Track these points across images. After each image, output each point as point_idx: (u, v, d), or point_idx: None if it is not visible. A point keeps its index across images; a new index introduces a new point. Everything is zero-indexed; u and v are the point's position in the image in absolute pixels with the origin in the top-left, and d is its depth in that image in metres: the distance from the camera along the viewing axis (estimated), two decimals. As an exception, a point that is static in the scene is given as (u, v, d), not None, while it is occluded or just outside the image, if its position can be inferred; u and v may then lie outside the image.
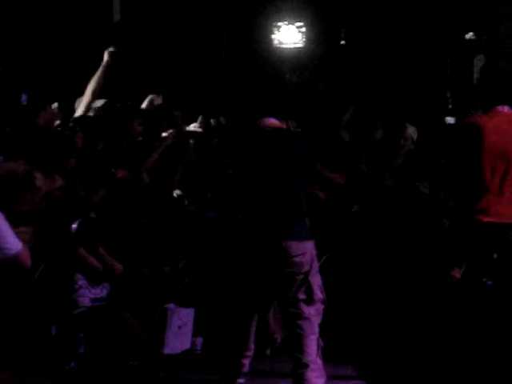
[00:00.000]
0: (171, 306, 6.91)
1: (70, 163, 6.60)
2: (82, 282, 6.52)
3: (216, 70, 13.62)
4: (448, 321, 5.81)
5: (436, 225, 7.35)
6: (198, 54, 13.37)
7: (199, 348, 6.91)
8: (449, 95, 13.46)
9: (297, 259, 5.15)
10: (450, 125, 9.41)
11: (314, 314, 5.23)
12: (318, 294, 5.24)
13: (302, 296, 5.19)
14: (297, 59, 14.17)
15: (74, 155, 6.65)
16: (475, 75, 12.38)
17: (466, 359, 5.51)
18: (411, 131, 7.89)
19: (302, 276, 5.17)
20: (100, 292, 6.63)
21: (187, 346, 6.87)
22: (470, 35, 12.80)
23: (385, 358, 6.24)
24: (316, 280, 5.23)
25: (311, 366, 5.12)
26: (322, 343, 5.29)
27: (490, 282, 5.61)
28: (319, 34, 14.11)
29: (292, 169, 5.16)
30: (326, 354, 5.44)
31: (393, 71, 13.26)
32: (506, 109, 5.72)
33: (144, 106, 7.97)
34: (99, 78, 7.33)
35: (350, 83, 12.90)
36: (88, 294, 6.54)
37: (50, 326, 6.18)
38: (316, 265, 5.25)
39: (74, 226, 6.37)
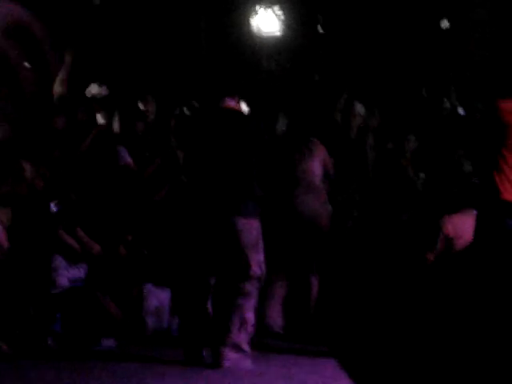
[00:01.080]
0: (148, 286, 6.85)
1: (54, 153, 6.59)
2: (60, 262, 6.45)
3: (194, 53, 13.49)
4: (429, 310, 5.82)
5: (404, 213, 7.35)
6: (175, 38, 13.24)
7: (175, 328, 6.85)
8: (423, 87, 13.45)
9: (241, 234, 5.22)
10: (461, 116, 9.32)
11: (248, 289, 5.30)
12: (256, 271, 5.29)
13: (239, 270, 5.27)
14: (275, 45, 14.05)
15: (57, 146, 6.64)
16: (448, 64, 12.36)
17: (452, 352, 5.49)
18: (358, 108, 8.30)
19: (241, 251, 5.23)
20: (78, 272, 6.56)
21: (164, 325, 6.82)
22: (444, 23, 12.74)
23: (368, 351, 6.21)
24: (255, 257, 5.27)
25: (231, 341, 5.25)
26: (252, 321, 5.33)
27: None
28: (297, 21, 13.99)
29: (241, 149, 5.28)
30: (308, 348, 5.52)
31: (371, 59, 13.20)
32: None
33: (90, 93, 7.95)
34: (61, 80, 7.27)
35: (338, 71, 12.84)
36: (66, 275, 6.48)
37: (29, 306, 6.11)
38: (260, 242, 5.31)
39: (53, 207, 6.29)
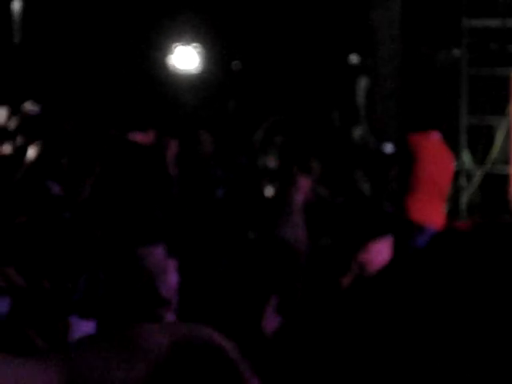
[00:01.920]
0: (73, 318, 6.70)
1: None
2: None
3: (114, 87, 13.42)
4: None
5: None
6: (93, 73, 13.15)
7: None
8: (335, 115, 13.62)
9: (144, 262, 5.23)
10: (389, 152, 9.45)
11: (160, 314, 5.26)
12: (164, 296, 5.30)
13: (148, 297, 5.27)
14: (193, 80, 14.07)
15: None
16: (358, 97, 12.54)
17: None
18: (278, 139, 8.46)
19: (148, 278, 5.26)
20: (1, 306, 6.37)
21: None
22: (353, 58, 12.96)
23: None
24: (163, 282, 5.30)
25: None
26: None
27: None
28: (215, 55, 14.05)
29: (137, 181, 5.31)
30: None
31: (282, 93, 13.31)
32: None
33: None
34: None
35: (254, 103, 12.91)
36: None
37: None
38: (167, 267, 5.32)
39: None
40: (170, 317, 5.38)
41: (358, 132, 10.48)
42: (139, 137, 5.50)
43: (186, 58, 13.82)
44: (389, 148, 8.03)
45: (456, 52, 9.85)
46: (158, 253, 5.30)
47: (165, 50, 13.86)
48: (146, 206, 5.38)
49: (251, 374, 0.85)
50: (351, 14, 12.76)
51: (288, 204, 7.19)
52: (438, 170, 6.17)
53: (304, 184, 7.13)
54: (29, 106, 7.77)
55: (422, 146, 6.10)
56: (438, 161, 6.18)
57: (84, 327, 6.68)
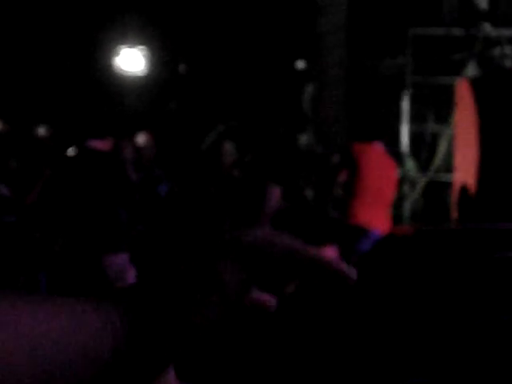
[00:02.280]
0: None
1: None
2: None
3: (61, 90, 13.33)
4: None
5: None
6: (39, 77, 13.06)
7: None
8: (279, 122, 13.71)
9: (105, 270, 5.23)
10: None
11: None
12: None
13: None
14: (138, 83, 14.04)
15: None
16: (304, 103, 12.64)
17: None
18: (228, 146, 8.63)
19: (109, 286, 5.34)
20: None
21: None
22: (299, 64, 13.08)
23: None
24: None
25: None
26: None
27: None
28: (160, 58, 14.05)
29: (99, 188, 5.22)
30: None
31: (229, 98, 13.36)
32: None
33: None
34: None
35: (199, 108, 12.94)
36: None
37: None
38: (128, 275, 5.38)
39: None
40: None
41: (304, 138, 10.60)
42: (97, 143, 5.50)
43: (131, 60, 13.80)
44: (335, 157, 8.19)
45: (401, 60, 10.02)
46: (120, 261, 5.35)
47: (110, 53, 13.82)
48: (108, 212, 5.39)
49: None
50: (298, 20, 12.88)
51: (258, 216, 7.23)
52: (381, 178, 6.40)
53: (276, 194, 7.20)
54: None
55: (366, 155, 6.34)
56: (380, 169, 6.41)
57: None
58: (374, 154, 6.40)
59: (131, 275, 5.48)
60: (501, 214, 6.41)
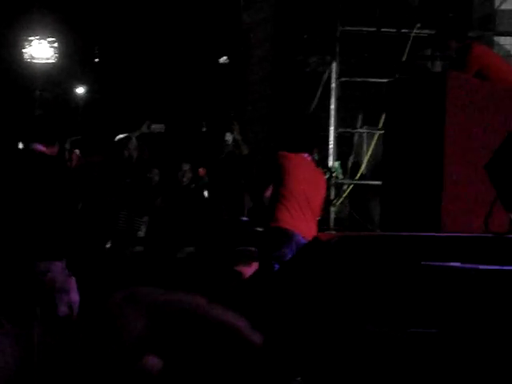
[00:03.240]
0: None
1: None
2: None
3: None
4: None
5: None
6: None
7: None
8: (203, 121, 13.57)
9: (46, 277, 5.33)
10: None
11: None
12: (64, 311, 5.38)
13: (47, 312, 5.34)
14: (49, 75, 13.77)
15: None
16: (229, 100, 12.54)
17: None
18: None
19: (49, 293, 5.36)
20: None
21: None
22: (223, 59, 12.95)
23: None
24: (64, 297, 5.39)
25: None
26: None
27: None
28: (72, 50, 13.81)
29: (46, 193, 5.38)
30: None
31: (144, 92, 13.19)
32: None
33: None
34: None
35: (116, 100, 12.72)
36: None
37: None
38: (69, 283, 5.38)
39: None
40: None
41: (228, 137, 10.47)
42: (42, 148, 5.58)
43: (41, 51, 13.55)
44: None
45: (329, 58, 9.92)
46: (58, 268, 5.34)
47: (21, 43, 13.56)
48: (50, 218, 5.36)
49: (250, 330, 0.84)
50: (223, 15, 12.76)
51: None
52: (307, 187, 6.44)
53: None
54: None
55: (291, 163, 6.40)
56: (306, 178, 6.47)
57: None
58: (300, 163, 6.47)
59: (73, 285, 5.43)
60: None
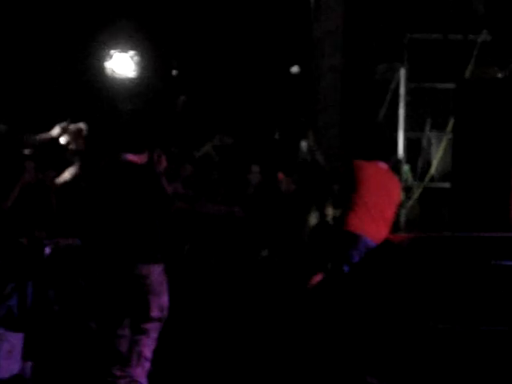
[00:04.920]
0: (0, 330, 6.63)
1: None
2: None
3: (51, 96, 13.29)
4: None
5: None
6: (31, 82, 13.02)
7: (29, 372, 6.65)
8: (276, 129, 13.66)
9: (143, 280, 5.48)
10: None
11: (148, 327, 5.52)
12: (156, 314, 5.52)
13: (140, 312, 5.50)
14: (130, 88, 14.01)
15: None
16: (300, 109, 12.61)
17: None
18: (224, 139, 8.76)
19: (143, 295, 5.49)
20: None
21: (16, 370, 6.63)
22: (294, 69, 13.03)
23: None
24: (156, 300, 5.51)
25: (129, 375, 5.49)
26: (149, 357, 5.54)
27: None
28: (152, 63, 14.02)
29: (142, 200, 5.56)
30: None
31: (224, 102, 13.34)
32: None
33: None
34: None
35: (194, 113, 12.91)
36: None
37: None
38: (162, 286, 5.50)
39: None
40: (154, 334, 5.59)
41: (303, 145, 10.55)
42: (134, 157, 5.72)
43: (123, 65, 13.77)
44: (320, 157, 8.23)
45: (397, 65, 9.95)
46: (157, 272, 5.52)
47: (103, 58, 13.79)
48: (147, 223, 5.53)
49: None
50: (294, 25, 12.85)
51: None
52: (381, 197, 6.49)
53: None
54: None
55: (365, 172, 6.48)
56: (380, 188, 6.51)
57: (12, 339, 6.61)
58: (376, 173, 6.51)
59: (165, 288, 5.57)
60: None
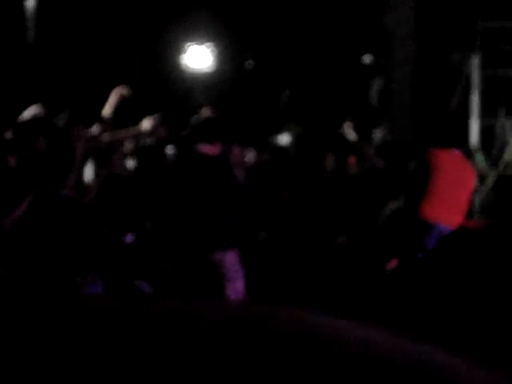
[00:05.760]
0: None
1: None
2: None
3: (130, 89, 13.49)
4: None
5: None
6: (112, 78, 13.26)
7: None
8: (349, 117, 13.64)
9: (218, 266, 5.58)
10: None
11: None
12: (232, 298, 5.65)
13: (218, 298, 5.67)
14: (206, 79, 14.14)
15: None
16: (372, 98, 12.59)
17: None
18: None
19: (219, 281, 5.58)
20: None
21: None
22: (367, 58, 13.01)
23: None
24: (232, 286, 5.59)
25: None
26: None
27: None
28: (228, 54, 14.13)
29: (214, 191, 5.63)
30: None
31: (296, 93, 13.38)
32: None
33: None
34: None
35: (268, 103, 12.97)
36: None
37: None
38: (237, 272, 5.58)
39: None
40: None
41: (378, 134, 10.56)
42: (207, 148, 5.83)
43: (199, 57, 13.90)
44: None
45: (470, 53, 9.89)
46: (231, 258, 5.62)
47: (178, 50, 13.94)
48: (220, 212, 5.65)
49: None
50: (366, 15, 12.83)
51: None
52: (456, 185, 6.48)
53: None
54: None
55: (441, 161, 6.47)
56: (455, 176, 6.50)
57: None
58: (451, 161, 6.50)
59: (241, 273, 5.67)
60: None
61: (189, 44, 13.88)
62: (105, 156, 7.08)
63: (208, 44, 13.90)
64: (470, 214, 8.40)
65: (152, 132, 7.06)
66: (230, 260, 5.59)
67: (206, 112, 6.01)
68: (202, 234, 5.63)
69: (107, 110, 6.63)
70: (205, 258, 5.56)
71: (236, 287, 5.62)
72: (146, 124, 7.12)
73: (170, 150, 7.57)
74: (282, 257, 7.71)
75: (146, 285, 6.91)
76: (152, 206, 7.29)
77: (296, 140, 8.91)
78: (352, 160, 8.38)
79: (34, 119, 7.08)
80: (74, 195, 7.03)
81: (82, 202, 7.06)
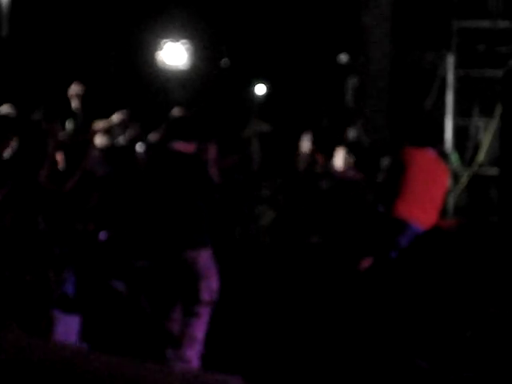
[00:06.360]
0: (56, 312, 6.67)
1: None
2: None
3: (105, 84, 13.38)
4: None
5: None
6: (88, 71, 13.12)
7: (84, 354, 6.71)
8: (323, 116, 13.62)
9: (192, 264, 5.53)
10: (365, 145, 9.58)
11: (198, 311, 5.57)
12: (205, 297, 5.57)
13: (190, 296, 5.57)
14: (181, 76, 14.05)
15: None
16: (347, 96, 12.55)
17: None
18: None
19: (193, 279, 5.56)
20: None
21: (73, 352, 6.67)
22: (343, 57, 12.97)
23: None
24: (205, 284, 5.55)
25: (182, 357, 5.55)
26: (201, 340, 5.58)
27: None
28: (203, 52, 14.05)
29: (188, 188, 5.62)
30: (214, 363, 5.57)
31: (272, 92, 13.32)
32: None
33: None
34: None
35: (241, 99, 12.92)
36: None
37: None
38: (210, 270, 5.53)
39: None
40: (205, 317, 5.66)
41: (352, 132, 10.52)
42: (182, 146, 5.78)
43: (174, 55, 13.80)
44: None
45: (445, 53, 9.86)
46: (205, 256, 5.60)
47: (154, 46, 13.84)
48: (193, 210, 5.59)
49: None
50: (342, 14, 12.78)
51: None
52: (430, 183, 6.42)
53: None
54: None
55: (415, 159, 6.42)
56: (429, 175, 6.44)
57: (68, 322, 6.66)
58: (425, 160, 6.47)
59: (214, 271, 5.62)
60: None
61: (164, 41, 13.78)
62: (78, 150, 6.99)
63: (184, 41, 13.80)
64: (444, 214, 8.37)
65: (120, 126, 6.98)
66: (204, 258, 5.55)
67: (177, 112, 5.94)
68: (175, 232, 5.59)
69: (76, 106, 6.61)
70: (178, 256, 5.52)
71: (210, 285, 5.59)
72: (115, 118, 7.04)
73: (139, 147, 7.48)
74: (256, 255, 7.64)
75: (121, 284, 6.82)
76: (125, 204, 7.20)
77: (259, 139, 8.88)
78: (320, 158, 8.32)
79: (6, 119, 6.98)
80: (49, 187, 6.90)
81: (61, 190, 6.95)
